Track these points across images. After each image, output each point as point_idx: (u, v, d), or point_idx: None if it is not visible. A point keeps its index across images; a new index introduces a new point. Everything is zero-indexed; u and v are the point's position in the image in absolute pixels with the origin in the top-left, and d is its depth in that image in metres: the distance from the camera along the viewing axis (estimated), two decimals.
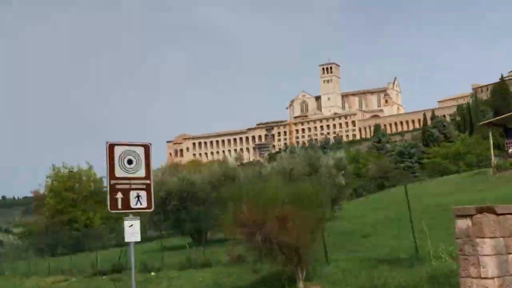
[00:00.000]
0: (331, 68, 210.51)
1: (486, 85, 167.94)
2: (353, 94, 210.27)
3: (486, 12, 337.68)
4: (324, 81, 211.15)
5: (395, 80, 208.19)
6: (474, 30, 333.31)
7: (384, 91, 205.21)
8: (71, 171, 60.75)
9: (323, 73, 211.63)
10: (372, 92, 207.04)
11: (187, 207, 29.45)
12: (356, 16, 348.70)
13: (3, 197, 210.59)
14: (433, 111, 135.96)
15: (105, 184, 66.45)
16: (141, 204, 9.23)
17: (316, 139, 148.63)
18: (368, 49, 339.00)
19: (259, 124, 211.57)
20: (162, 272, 19.85)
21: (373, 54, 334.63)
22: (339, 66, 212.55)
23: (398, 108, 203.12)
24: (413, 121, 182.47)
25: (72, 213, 57.22)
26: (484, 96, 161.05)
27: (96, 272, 24.16)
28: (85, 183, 60.63)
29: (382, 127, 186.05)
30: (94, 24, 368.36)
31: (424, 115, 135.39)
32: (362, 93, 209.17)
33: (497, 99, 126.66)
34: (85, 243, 54.95)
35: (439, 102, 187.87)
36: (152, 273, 20.07)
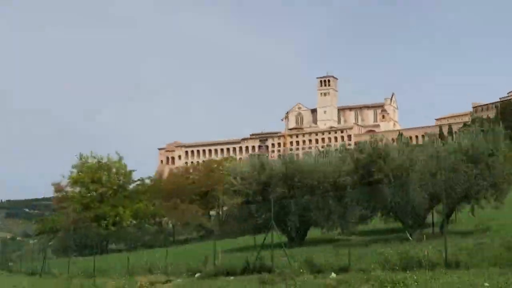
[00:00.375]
0: (329, 81, 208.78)
1: (486, 104, 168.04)
2: (350, 109, 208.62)
3: (485, 35, 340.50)
4: (321, 93, 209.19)
5: (392, 96, 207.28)
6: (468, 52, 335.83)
7: (381, 106, 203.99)
8: (100, 162, 56.37)
9: (321, 85, 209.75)
10: (369, 107, 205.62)
11: (295, 196, 24.62)
12: (354, 30, 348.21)
13: None
14: (449, 125, 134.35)
15: (135, 178, 62.43)
16: None
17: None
18: (366, 64, 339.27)
19: (253, 134, 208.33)
20: (347, 273, 14.97)
21: (370, 69, 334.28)
22: (337, 79, 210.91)
23: (394, 124, 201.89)
24: (410, 137, 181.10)
25: (99, 209, 52.83)
26: (484, 114, 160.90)
27: (217, 271, 18.93)
28: (114, 175, 56.31)
29: (380, 142, 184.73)
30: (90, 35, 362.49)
31: (440, 127, 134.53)
32: (359, 108, 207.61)
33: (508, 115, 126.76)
34: (107, 243, 50.45)
35: (436, 120, 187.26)
36: (333, 274, 15.25)
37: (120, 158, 56.83)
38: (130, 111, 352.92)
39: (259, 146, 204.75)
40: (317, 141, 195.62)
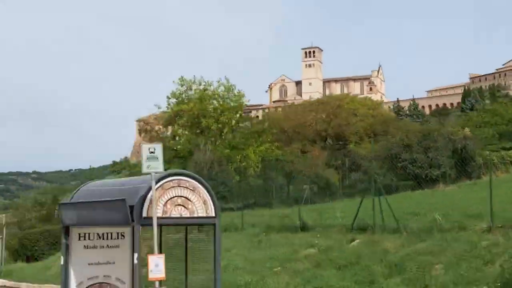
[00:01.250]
0: (314, 52, 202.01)
1: (484, 75, 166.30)
2: (336, 81, 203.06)
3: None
4: (306, 65, 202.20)
5: (379, 68, 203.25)
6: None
7: (368, 78, 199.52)
8: (206, 89, 45.82)
9: (306, 57, 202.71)
10: (355, 79, 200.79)
11: None
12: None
13: None
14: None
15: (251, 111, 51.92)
16: None
17: None
18: (352, 35, 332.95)
19: None
20: None
21: (356, 41, 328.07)
22: (322, 50, 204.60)
23: (381, 96, 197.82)
24: (402, 108, 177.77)
25: (216, 151, 42.78)
26: (482, 85, 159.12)
27: None
28: (226, 107, 45.83)
29: None
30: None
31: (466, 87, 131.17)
32: (345, 80, 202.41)
33: None
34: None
35: (427, 92, 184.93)
36: None
37: (231, 86, 46.64)
38: (105, 81, 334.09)
39: None
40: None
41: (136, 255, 6.72)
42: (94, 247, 7.75)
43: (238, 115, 46.11)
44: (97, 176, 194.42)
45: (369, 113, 53.69)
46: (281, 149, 45.40)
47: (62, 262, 7.63)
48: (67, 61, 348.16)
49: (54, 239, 35.89)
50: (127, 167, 49.70)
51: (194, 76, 46.59)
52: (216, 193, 29.52)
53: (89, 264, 7.65)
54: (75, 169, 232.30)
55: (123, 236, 7.85)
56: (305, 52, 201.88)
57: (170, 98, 45.75)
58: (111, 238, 7.85)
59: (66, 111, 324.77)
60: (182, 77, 45.64)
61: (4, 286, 19.27)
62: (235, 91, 46.50)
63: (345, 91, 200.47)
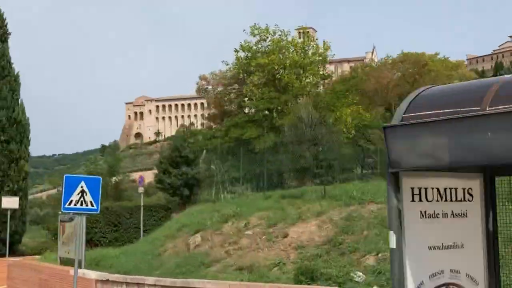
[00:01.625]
0: (308, 32, 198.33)
1: (482, 56, 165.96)
2: (330, 62, 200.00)
3: None
4: None
5: (373, 49, 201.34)
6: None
7: (362, 60, 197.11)
8: (282, 41, 41.18)
9: (299, 37, 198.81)
10: (349, 61, 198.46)
11: None
12: None
13: None
14: None
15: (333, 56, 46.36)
16: None
17: None
18: (346, 17, 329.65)
19: None
20: None
21: (350, 22, 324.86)
22: (316, 31, 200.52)
23: None
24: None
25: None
26: (479, 67, 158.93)
27: None
28: (311, 61, 41.38)
29: None
30: None
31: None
32: (339, 62, 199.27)
33: None
34: None
35: None
36: None
37: (312, 36, 42.33)
38: (92, 67, 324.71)
39: None
40: None
41: None
42: (435, 215, 3.19)
43: (322, 71, 42.07)
44: (86, 160, 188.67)
45: (451, 75, 50.27)
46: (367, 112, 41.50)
47: (393, 244, 2.94)
48: (55, 47, 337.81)
49: (116, 219, 30.82)
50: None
51: (266, 24, 42.09)
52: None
53: (429, 248, 3.07)
54: (59, 154, 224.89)
55: (471, 195, 3.64)
56: (299, 32, 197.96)
57: (238, 52, 41.11)
58: (456, 200, 3.25)
59: (50, 96, 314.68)
60: (255, 24, 41.06)
61: (108, 280, 13.64)
62: (318, 43, 42.53)
63: (339, 72, 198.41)
